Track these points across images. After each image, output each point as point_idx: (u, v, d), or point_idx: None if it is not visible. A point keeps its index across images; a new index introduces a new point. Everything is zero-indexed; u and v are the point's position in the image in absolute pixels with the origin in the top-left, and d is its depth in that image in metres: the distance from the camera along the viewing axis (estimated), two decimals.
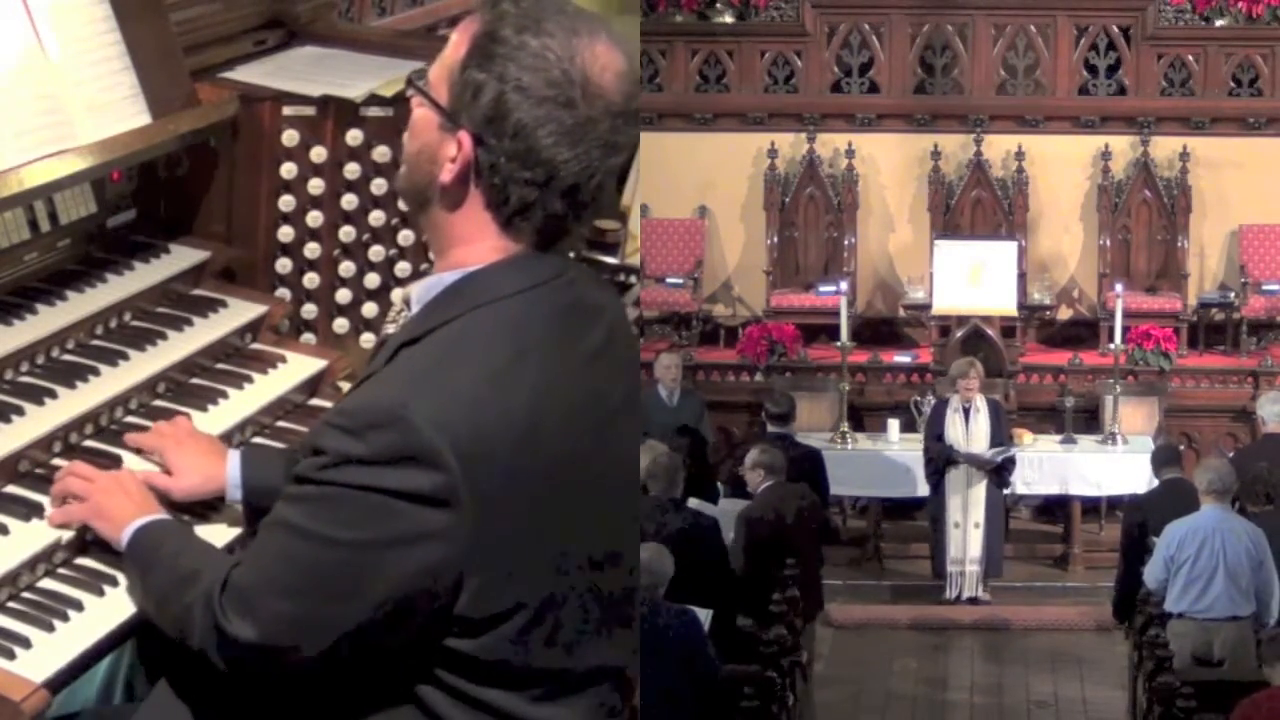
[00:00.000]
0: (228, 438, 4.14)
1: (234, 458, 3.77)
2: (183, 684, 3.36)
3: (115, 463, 3.89)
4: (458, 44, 3.03)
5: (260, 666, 2.99)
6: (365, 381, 3.04)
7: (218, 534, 3.73)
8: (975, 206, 11.83)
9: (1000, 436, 9.71)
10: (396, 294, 3.66)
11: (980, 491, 9.70)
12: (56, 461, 3.90)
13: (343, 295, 5.03)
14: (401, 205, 5.01)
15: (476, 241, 3.03)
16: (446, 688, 2.96)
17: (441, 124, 3.02)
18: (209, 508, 3.81)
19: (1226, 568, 7.30)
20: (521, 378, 2.93)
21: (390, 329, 3.46)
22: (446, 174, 3.01)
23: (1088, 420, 10.70)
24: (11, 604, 3.49)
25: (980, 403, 9.72)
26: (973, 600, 9.76)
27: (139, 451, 3.93)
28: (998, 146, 11.80)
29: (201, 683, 3.29)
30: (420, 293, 3.09)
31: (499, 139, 2.96)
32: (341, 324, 5.03)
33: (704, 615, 6.55)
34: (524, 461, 2.90)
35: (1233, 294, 11.49)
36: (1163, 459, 8.74)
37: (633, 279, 5.88)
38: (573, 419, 2.98)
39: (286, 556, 2.93)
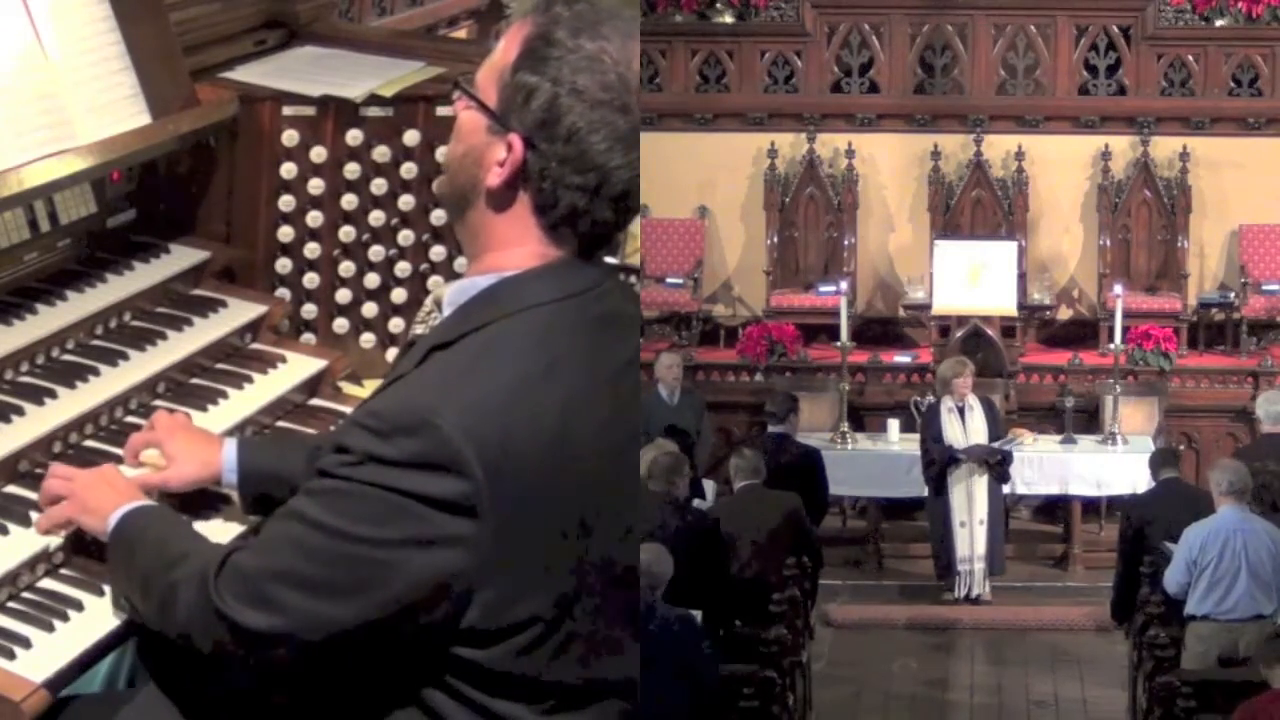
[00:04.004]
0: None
1: (230, 444, 3.76)
2: (180, 681, 3.35)
3: (116, 463, 3.88)
4: (507, 47, 2.98)
5: (251, 652, 2.97)
6: (394, 383, 3.00)
7: (219, 529, 3.73)
8: (975, 206, 11.81)
9: (998, 431, 9.76)
10: (429, 297, 3.62)
11: (982, 488, 9.70)
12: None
13: (343, 295, 5.03)
14: (401, 205, 5.01)
15: (516, 246, 2.99)
16: (455, 694, 2.94)
17: (490, 127, 2.97)
18: (210, 507, 3.81)
19: (1249, 568, 7.27)
20: (551, 389, 2.90)
21: (420, 330, 3.42)
22: (494, 177, 2.96)
23: (1088, 420, 10.68)
24: (11, 604, 3.49)
25: (974, 400, 9.73)
26: (974, 600, 9.75)
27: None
28: (998, 146, 11.78)
29: (200, 681, 3.28)
30: (453, 295, 3.05)
31: (551, 143, 2.92)
32: (341, 324, 5.03)
33: (695, 616, 6.53)
34: (549, 474, 2.87)
35: (1233, 294, 11.47)
36: (1159, 461, 8.72)
37: (633, 279, 5.88)
38: (597, 434, 2.96)
39: (299, 547, 2.90)
